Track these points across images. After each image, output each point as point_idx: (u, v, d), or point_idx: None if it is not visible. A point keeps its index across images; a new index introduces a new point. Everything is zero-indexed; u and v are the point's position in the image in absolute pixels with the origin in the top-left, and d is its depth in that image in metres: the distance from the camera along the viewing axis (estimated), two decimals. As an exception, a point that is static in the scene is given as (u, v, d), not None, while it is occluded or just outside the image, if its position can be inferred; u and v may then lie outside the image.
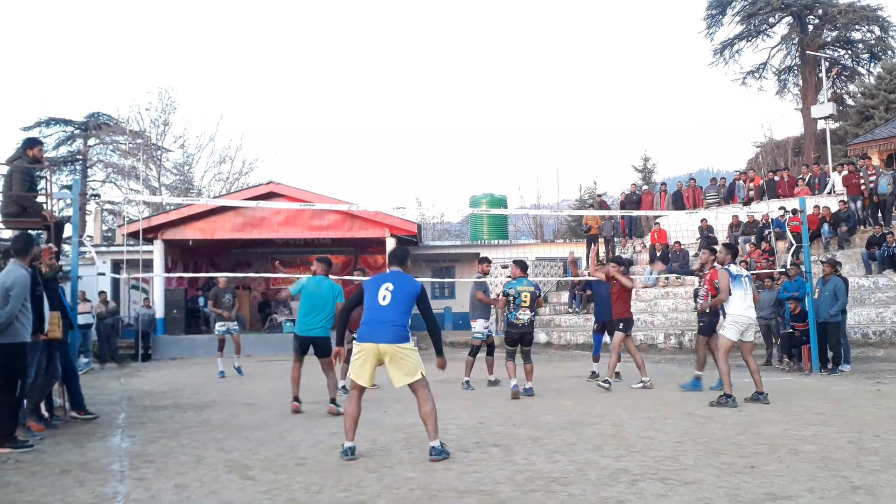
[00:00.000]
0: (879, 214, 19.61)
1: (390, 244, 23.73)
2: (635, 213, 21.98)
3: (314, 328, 9.03)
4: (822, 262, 12.70)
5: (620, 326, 10.87)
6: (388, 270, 6.50)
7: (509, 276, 10.66)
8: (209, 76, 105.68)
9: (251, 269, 26.40)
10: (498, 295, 11.84)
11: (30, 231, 8.81)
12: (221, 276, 15.80)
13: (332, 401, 8.96)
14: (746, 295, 8.86)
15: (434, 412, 5.97)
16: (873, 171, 19.82)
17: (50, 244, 8.95)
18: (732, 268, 9.08)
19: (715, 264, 10.27)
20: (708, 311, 10.34)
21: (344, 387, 10.25)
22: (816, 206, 19.57)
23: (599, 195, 32.79)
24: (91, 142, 42.36)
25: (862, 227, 19.71)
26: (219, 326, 14.61)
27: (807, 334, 12.30)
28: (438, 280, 27.35)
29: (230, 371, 14.34)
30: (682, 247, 21.65)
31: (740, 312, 8.77)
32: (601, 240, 24.26)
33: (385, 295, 6.07)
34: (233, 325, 14.65)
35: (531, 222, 42.05)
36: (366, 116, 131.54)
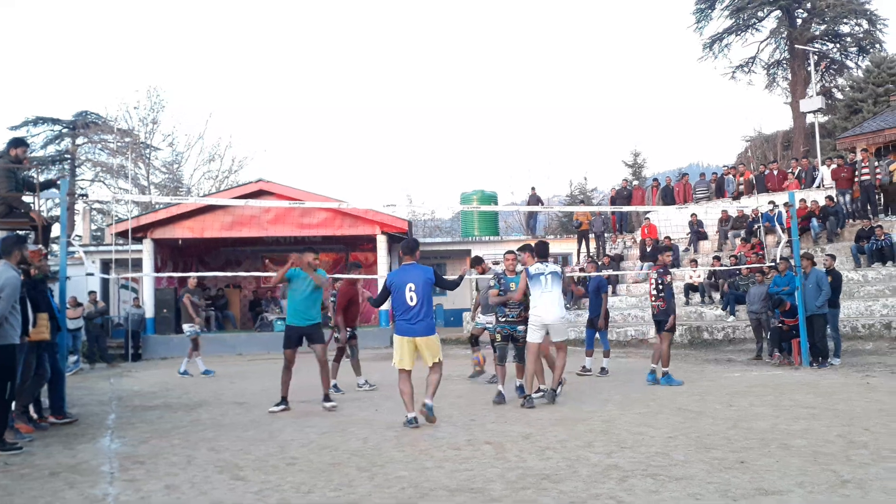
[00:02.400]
0: (869, 207, 19.71)
1: (381, 241, 23.74)
2: (625, 208, 21.99)
3: (311, 319, 9.10)
4: (801, 257, 12.71)
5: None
6: (404, 263, 7.74)
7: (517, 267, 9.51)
8: (198, 74, 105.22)
9: (241, 268, 26.31)
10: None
11: (18, 232, 8.75)
12: (192, 276, 15.76)
13: (326, 397, 9.07)
14: (545, 293, 8.80)
15: (438, 382, 7.71)
16: (867, 164, 19.91)
17: (39, 245, 8.89)
18: (531, 268, 8.94)
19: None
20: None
21: (336, 385, 10.24)
22: (803, 200, 19.64)
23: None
24: (79, 141, 42.11)
25: (850, 221, 19.80)
26: (187, 328, 14.62)
27: (796, 329, 12.34)
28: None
29: (197, 371, 14.43)
30: (673, 242, 21.69)
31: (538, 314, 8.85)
32: (591, 235, 24.31)
33: (411, 296, 7.48)
34: (199, 327, 14.70)
35: (522, 218, 42.06)
36: (356, 114, 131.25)
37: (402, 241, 7.95)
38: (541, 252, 9.12)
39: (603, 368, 12.11)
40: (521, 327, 8.95)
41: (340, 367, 10.70)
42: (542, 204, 27.71)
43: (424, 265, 7.78)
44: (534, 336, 8.79)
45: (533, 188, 27.89)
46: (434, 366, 7.62)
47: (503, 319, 9.13)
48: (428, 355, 7.57)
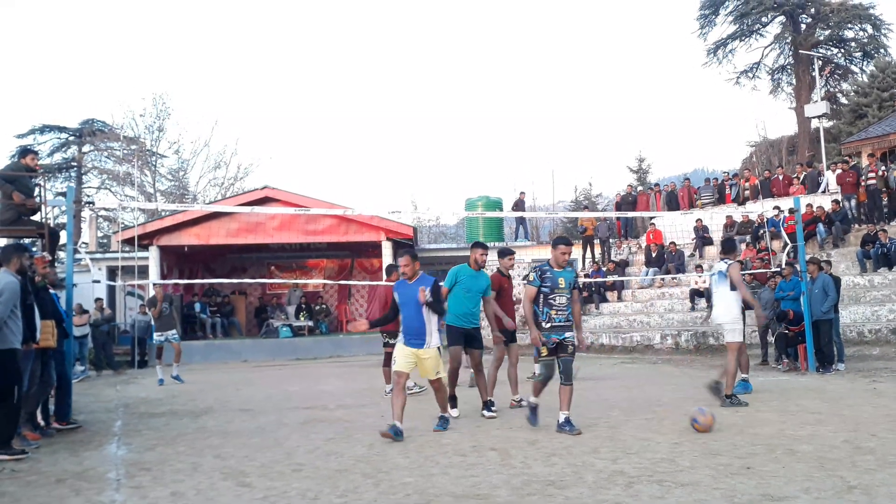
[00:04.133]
0: (877, 213, 19.67)
1: (386, 248, 23.77)
2: (630, 214, 22.00)
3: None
4: (807, 262, 12.71)
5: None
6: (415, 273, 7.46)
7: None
8: (204, 81, 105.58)
9: (247, 275, 26.40)
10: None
11: (20, 240, 8.79)
12: (175, 283, 15.84)
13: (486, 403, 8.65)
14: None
15: (445, 393, 7.76)
16: (874, 168, 19.89)
17: (44, 253, 8.94)
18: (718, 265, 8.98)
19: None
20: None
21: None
22: (809, 205, 19.61)
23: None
24: (85, 148, 42.28)
25: (856, 226, 19.76)
26: (157, 335, 14.70)
27: (802, 334, 12.31)
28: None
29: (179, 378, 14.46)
30: (678, 247, 21.68)
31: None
32: (597, 241, 24.30)
33: (414, 310, 7.28)
34: (171, 334, 14.74)
35: (528, 224, 42.05)
36: (361, 121, 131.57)
37: (410, 251, 7.72)
38: (727, 248, 9.07)
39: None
40: (569, 334, 7.33)
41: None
42: (524, 209, 27.36)
43: (427, 276, 7.48)
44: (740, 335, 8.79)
45: (522, 193, 27.62)
46: (435, 384, 7.52)
47: (548, 326, 7.28)
48: (423, 369, 7.39)
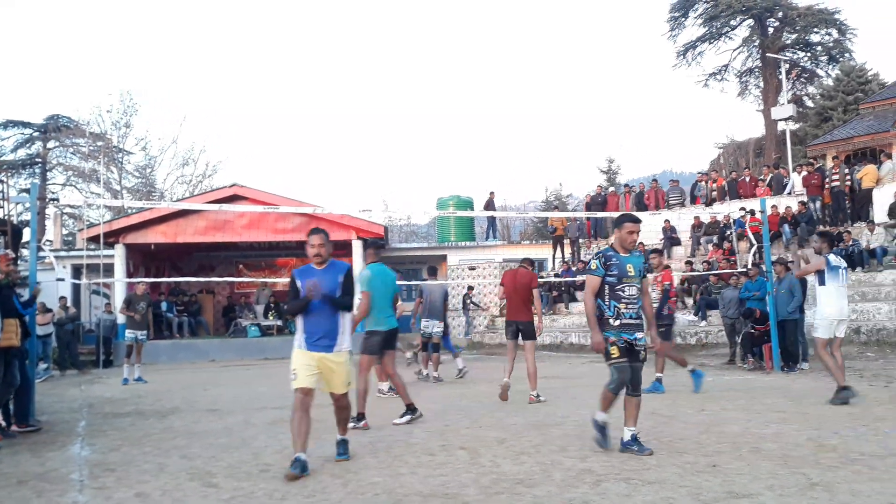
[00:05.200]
0: (840, 214, 20.03)
1: (356, 247, 23.69)
2: (600, 214, 22.15)
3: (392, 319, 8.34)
4: (772, 264, 12.91)
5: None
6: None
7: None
8: (172, 78, 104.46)
9: (215, 273, 26.17)
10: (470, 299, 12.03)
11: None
12: (140, 282, 15.70)
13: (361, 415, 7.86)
14: (841, 287, 8.48)
15: (349, 411, 6.36)
16: (837, 171, 20.25)
17: (6, 250, 8.77)
18: (832, 257, 8.57)
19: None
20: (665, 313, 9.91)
21: (391, 388, 10.10)
22: (775, 206, 19.88)
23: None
24: (50, 144, 41.66)
25: (821, 227, 20.08)
26: (128, 333, 14.55)
27: (767, 334, 12.48)
28: (405, 282, 27.30)
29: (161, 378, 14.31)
30: (646, 247, 21.86)
31: (833, 307, 8.40)
32: (567, 241, 24.45)
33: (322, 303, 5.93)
34: (141, 334, 14.58)
35: (498, 224, 42.20)
36: (332, 119, 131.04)
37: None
38: (832, 242, 8.81)
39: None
40: (640, 335, 6.10)
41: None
42: (494, 208, 27.42)
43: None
44: (825, 332, 8.45)
45: (491, 192, 27.65)
46: (339, 398, 6.16)
47: (616, 323, 6.03)
48: (332, 384, 6.07)
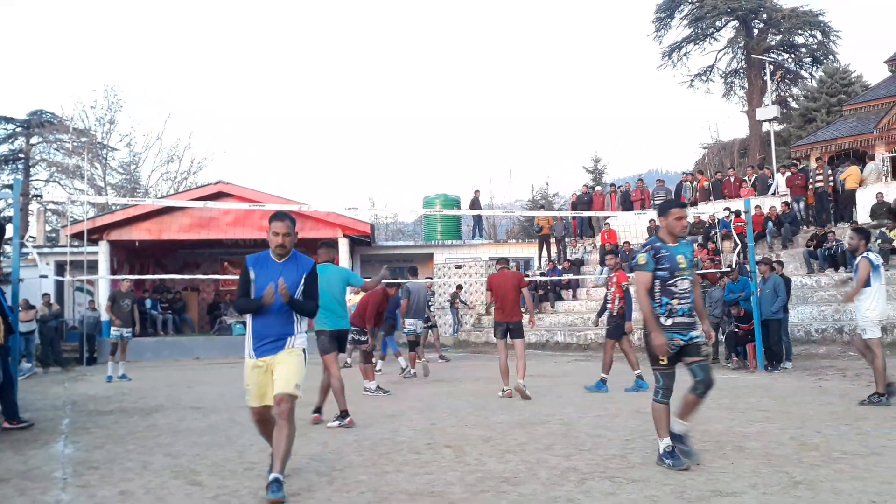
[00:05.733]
0: (824, 214, 20.18)
1: (343, 245, 23.63)
2: (585, 213, 22.22)
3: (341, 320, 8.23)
4: (756, 263, 13.01)
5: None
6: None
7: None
8: (157, 74, 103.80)
9: (200, 271, 26.04)
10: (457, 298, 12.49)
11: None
12: (125, 279, 15.62)
13: (344, 412, 7.88)
14: (882, 286, 8.27)
15: (292, 435, 4.99)
16: (821, 172, 20.40)
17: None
18: (872, 256, 8.28)
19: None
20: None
21: (379, 387, 10.44)
22: (758, 207, 20.02)
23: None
24: (34, 140, 41.32)
25: (805, 227, 20.26)
26: (113, 331, 14.49)
27: (751, 333, 12.57)
28: (392, 281, 27.25)
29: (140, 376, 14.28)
30: (632, 247, 21.95)
31: (877, 307, 8.18)
32: (553, 240, 24.50)
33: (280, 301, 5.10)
34: (126, 332, 14.49)
35: (485, 222, 42.24)
36: (318, 117, 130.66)
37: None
38: (869, 238, 8.57)
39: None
40: (696, 332, 5.51)
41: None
42: (480, 207, 27.52)
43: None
44: (876, 331, 8.18)
45: (476, 191, 27.71)
46: (282, 399, 4.91)
47: (669, 322, 5.46)
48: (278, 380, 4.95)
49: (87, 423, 8.60)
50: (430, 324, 16.28)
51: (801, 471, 5.18)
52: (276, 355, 4.98)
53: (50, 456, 6.59)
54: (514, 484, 5.06)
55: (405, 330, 13.68)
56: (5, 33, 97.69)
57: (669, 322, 5.43)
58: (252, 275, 5.10)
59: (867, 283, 8.16)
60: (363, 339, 10.43)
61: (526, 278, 10.79)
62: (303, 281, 5.12)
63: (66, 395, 11.83)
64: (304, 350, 5.11)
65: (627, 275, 10.43)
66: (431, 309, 16.52)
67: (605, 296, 10.85)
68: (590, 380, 10.67)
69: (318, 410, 8.12)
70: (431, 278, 22.42)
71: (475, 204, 26.97)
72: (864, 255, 8.23)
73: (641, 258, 5.56)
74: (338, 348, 8.10)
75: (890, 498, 4.45)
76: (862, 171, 20.82)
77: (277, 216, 5.15)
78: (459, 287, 23.62)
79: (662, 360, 5.42)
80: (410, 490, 4.98)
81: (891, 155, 21.95)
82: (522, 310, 10.06)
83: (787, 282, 13.12)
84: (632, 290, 9.91)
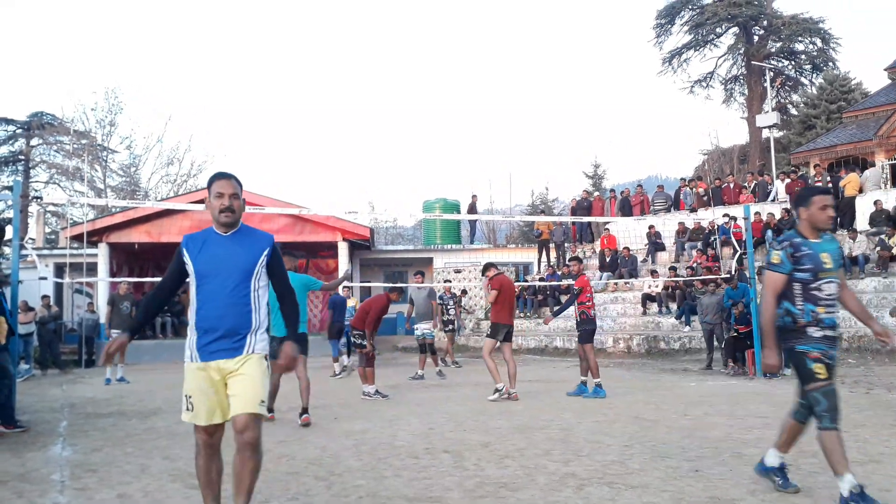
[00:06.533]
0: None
1: (342, 248, 23.64)
2: (585, 219, 22.22)
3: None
4: (760, 269, 13.03)
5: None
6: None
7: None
8: (158, 76, 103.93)
9: (199, 274, 25.98)
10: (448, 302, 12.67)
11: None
12: (123, 281, 15.64)
13: (305, 409, 8.36)
14: None
15: (258, 462, 4.14)
16: (820, 179, 20.42)
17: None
18: None
19: None
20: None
21: (378, 391, 10.49)
22: (757, 213, 20.04)
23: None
24: (34, 142, 41.31)
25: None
26: (112, 333, 14.47)
27: (750, 337, 12.57)
28: (391, 285, 27.26)
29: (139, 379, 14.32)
30: (631, 252, 21.98)
31: None
32: (552, 245, 24.51)
33: (233, 287, 3.95)
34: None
35: (484, 227, 42.27)
36: (319, 120, 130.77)
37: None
38: None
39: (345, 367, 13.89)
40: (835, 350, 4.65)
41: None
42: (476, 212, 27.68)
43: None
44: None
45: (474, 196, 27.83)
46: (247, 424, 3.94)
47: (818, 335, 4.55)
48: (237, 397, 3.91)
49: (85, 425, 8.59)
50: (451, 328, 16.44)
51: (799, 478, 5.17)
52: (230, 360, 3.88)
53: (48, 458, 6.59)
54: (512, 489, 5.06)
55: (416, 334, 13.84)
56: (5, 34, 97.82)
57: (820, 334, 4.52)
58: (187, 258, 3.94)
59: None
60: (363, 342, 10.46)
61: (525, 283, 11.02)
62: (264, 260, 4.02)
63: (65, 398, 11.82)
64: (265, 356, 4.05)
65: (588, 279, 10.83)
66: (450, 312, 16.41)
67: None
68: (588, 386, 10.66)
69: (304, 412, 8.31)
70: (450, 281, 22.44)
71: (472, 209, 27.07)
72: None
73: (776, 256, 4.62)
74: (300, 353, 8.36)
75: (888, 505, 4.45)
76: (861, 178, 20.86)
77: (218, 176, 4.11)
78: (464, 292, 23.60)
79: (821, 374, 4.45)
80: (409, 495, 4.98)
81: (890, 162, 21.97)
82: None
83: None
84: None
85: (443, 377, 13.33)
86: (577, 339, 10.84)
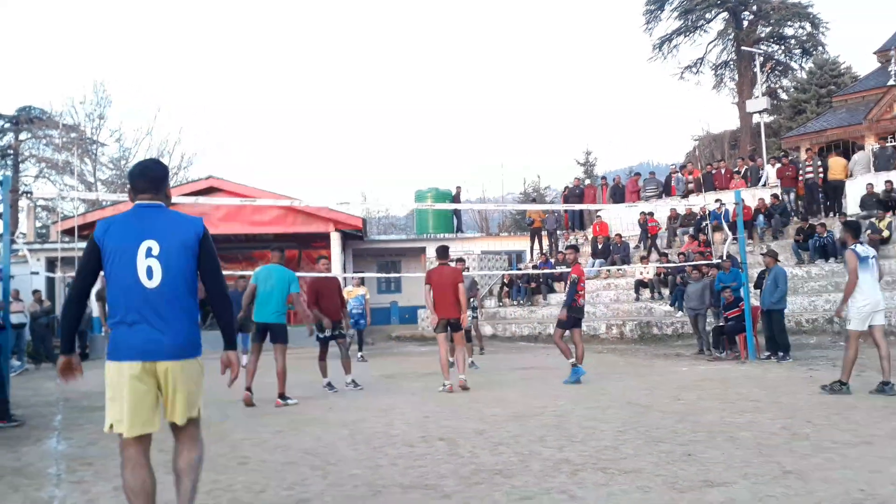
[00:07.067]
0: (814, 206, 20.32)
1: (335, 239, 23.62)
2: (577, 206, 22.25)
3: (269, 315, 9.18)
4: (761, 255, 13.07)
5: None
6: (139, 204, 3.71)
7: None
8: (146, 69, 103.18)
9: (191, 266, 25.92)
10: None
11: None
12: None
13: (281, 395, 9.03)
14: (873, 278, 8.21)
15: (198, 475, 3.82)
16: (811, 163, 20.48)
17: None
18: (860, 248, 8.29)
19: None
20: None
21: (329, 383, 10.32)
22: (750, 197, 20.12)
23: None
24: (22, 136, 41.05)
25: (795, 219, 20.37)
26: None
27: (739, 322, 12.61)
28: (384, 275, 27.32)
29: None
30: (623, 239, 22.02)
31: (866, 299, 8.10)
32: (545, 233, 24.54)
33: (149, 267, 3.55)
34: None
35: (476, 216, 42.30)
36: (309, 111, 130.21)
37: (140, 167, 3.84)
38: (857, 231, 8.58)
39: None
40: None
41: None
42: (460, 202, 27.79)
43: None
44: (859, 324, 8.11)
45: (458, 187, 28.00)
46: (185, 429, 3.74)
47: None
48: (178, 403, 3.64)
49: (79, 419, 8.60)
50: (474, 315, 15.55)
51: (791, 460, 5.22)
52: (166, 364, 3.57)
53: (43, 452, 6.59)
54: (507, 476, 5.09)
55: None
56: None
57: None
58: (105, 241, 3.59)
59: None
60: (342, 332, 10.46)
61: (518, 271, 10.94)
62: (194, 245, 3.69)
63: (59, 392, 11.79)
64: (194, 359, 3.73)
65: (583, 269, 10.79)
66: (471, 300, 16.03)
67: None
68: (587, 370, 10.70)
69: (281, 396, 8.98)
70: (467, 269, 22.12)
71: (456, 200, 27.24)
72: (852, 247, 8.30)
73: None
74: (276, 341, 9.18)
75: (879, 487, 4.50)
76: (849, 161, 20.92)
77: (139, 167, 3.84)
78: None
79: None
80: (404, 483, 5.01)
81: (880, 146, 22.02)
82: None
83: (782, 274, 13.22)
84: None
85: (475, 367, 12.99)
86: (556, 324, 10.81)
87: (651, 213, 22.14)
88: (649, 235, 21.79)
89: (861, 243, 8.41)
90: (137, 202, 3.69)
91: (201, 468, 3.84)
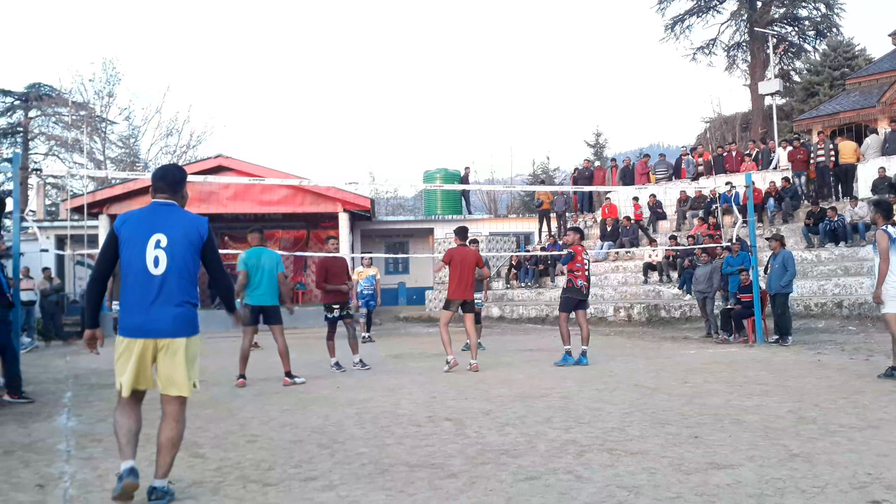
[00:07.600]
0: (825, 189, 20.17)
1: (343, 219, 23.61)
2: (586, 188, 22.17)
3: (262, 297, 9.25)
4: (767, 239, 12.99)
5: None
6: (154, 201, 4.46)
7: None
8: (156, 46, 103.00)
9: (200, 245, 25.99)
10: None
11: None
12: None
13: (288, 374, 9.09)
14: None
15: (177, 447, 4.47)
16: (823, 146, 20.32)
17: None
18: (891, 229, 7.93)
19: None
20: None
21: (337, 363, 10.32)
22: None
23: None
24: (32, 113, 41.12)
25: (805, 202, 20.25)
26: (114, 305, 14.45)
27: (749, 306, 12.59)
28: (392, 255, 27.34)
29: None
30: (632, 222, 21.95)
31: None
32: (553, 215, 24.48)
33: (156, 257, 4.22)
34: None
35: (485, 197, 42.23)
36: (319, 90, 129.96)
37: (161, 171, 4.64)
38: (889, 212, 8.24)
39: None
40: None
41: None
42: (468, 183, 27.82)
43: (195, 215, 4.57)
44: (894, 306, 7.82)
45: (467, 168, 27.98)
46: (170, 406, 4.40)
47: None
48: (167, 377, 4.29)
49: (89, 396, 8.67)
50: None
51: (798, 444, 5.22)
52: (165, 340, 4.25)
53: (53, 429, 6.65)
54: (513, 456, 5.10)
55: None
56: (1, 5, 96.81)
57: None
58: (123, 232, 4.35)
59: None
60: (330, 315, 10.46)
61: (526, 252, 10.91)
62: (199, 242, 4.43)
63: (68, 369, 11.90)
64: (188, 338, 4.35)
65: (582, 249, 10.77)
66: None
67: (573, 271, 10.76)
68: (589, 354, 10.71)
69: (288, 374, 9.11)
70: (477, 241, 22.00)
71: (465, 181, 27.21)
72: (883, 228, 7.97)
73: None
74: (271, 322, 9.25)
75: (885, 470, 4.49)
76: (861, 144, 20.74)
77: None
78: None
79: None
80: (411, 462, 5.03)
81: (892, 129, 21.81)
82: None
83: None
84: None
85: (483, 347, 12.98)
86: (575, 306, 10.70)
87: (636, 199, 22.25)
88: (636, 221, 21.93)
89: (894, 224, 8.09)
90: (155, 199, 4.44)
91: (178, 447, 4.45)
